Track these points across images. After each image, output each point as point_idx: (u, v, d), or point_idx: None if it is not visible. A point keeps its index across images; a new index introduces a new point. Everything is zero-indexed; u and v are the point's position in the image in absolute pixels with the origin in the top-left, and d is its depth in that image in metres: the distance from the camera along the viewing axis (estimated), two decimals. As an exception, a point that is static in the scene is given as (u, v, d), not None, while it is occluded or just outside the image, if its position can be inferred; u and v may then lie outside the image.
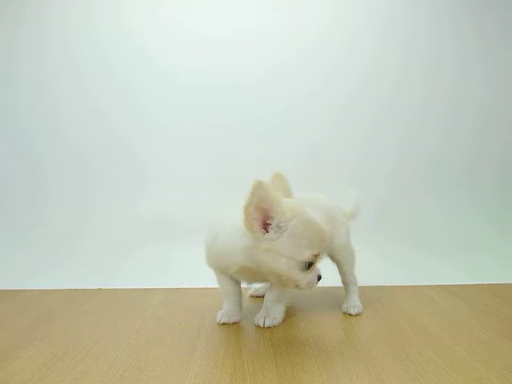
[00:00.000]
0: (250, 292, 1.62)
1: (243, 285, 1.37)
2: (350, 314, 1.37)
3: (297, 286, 1.12)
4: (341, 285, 1.48)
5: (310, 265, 1.10)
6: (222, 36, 2.31)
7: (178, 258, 1.99)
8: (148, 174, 2.30)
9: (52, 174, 2.30)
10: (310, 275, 1.11)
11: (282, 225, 1.04)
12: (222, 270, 1.27)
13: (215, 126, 2.27)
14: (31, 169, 2.30)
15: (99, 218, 2.25)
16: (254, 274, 1.18)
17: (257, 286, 1.61)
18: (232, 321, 1.29)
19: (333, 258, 1.46)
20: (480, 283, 1.75)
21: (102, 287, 1.71)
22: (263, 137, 2.28)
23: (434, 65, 2.38)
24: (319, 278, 1.14)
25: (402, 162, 2.37)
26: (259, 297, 1.57)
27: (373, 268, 1.89)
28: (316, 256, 1.10)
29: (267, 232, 1.05)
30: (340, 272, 1.46)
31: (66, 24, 2.30)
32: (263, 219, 1.04)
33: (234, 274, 1.23)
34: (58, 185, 2.30)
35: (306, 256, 1.07)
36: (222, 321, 1.29)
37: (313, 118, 2.33)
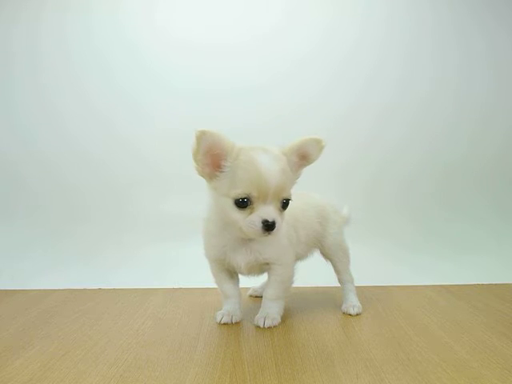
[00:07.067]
0: (250, 292, 1.62)
1: (241, 285, 1.37)
2: (350, 314, 1.37)
3: (241, 229, 1.11)
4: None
5: (245, 204, 1.08)
6: (221, 42, 2.29)
7: (178, 257, 1.99)
8: (147, 173, 2.30)
9: (51, 176, 2.30)
10: (251, 217, 1.09)
11: (228, 164, 1.10)
12: (215, 249, 1.26)
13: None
14: (31, 170, 2.30)
15: (99, 218, 2.24)
16: (246, 255, 1.21)
17: (256, 286, 1.61)
18: (232, 321, 1.29)
19: (326, 257, 1.46)
20: (480, 283, 1.75)
21: (102, 287, 1.71)
22: (262, 139, 2.26)
23: (437, 67, 2.38)
24: (265, 222, 1.08)
25: (402, 162, 2.37)
26: (258, 297, 1.57)
27: (373, 268, 1.89)
28: (255, 198, 1.08)
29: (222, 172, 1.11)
30: (335, 271, 1.46)
31: (62, 27, 2.28)
32: (216, 162, 1.11)
33: (227, 258, 1.24)
34: (58, 186, 2.29)
35: (235, 193, 1.08)
36: (223, 321, 1.29)
37: (312, 123, 2.32)
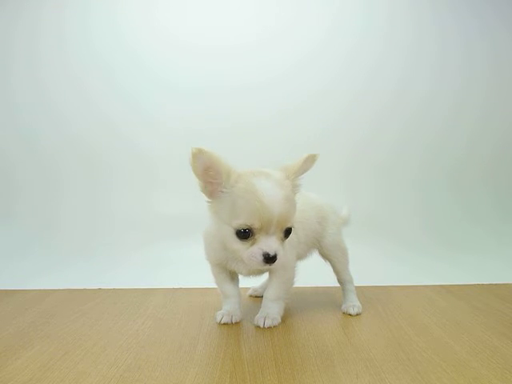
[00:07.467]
0: (250, 292, 1.62)
1: (241, 285, 1.37)
2: (350, 314, 1.37)
3: (241, 257, 1.11)
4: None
5: (246, 235, 1.06)
6: (221, 42, 2.30)
7: (178, 258, 1.99)
8: (147, 173, 2.30)
9: (51, 176, 2.30)
10: (252, 248, 1.08)
11: (224, 190, 1.08)
12: (216, 258, 1.27)
13: (214, 129, 2.25)
14: (30, 170, 2.30)
15: (99, 217, 2.25)
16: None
17: (256, 286, 1.61)
18: (232, 321, 1.29)
19: (325, 258, 1.46)
20: (480, 283, 1.75)
21: (102, 287, 1.71)
22: (263, 139, 2.26)
23: (438, 67, 2.38)
24: (266, 255, 1.06)
25: (401, 162, 2.37)
26: (258, 297, 1.57)
27: (373, 268, 1.89)
28: (257, 230, 1.06)
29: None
30: (334, 271, 1.46)
31: (61, 27, 2.29)
32: (214, 183, 1.09)
33: (228, 264, 1.25)
34: (58, 185, 2.29)
35: (236, 224, 1.06)
36: (223, 321, 1.29)
37: (313, 121, 2.32)
